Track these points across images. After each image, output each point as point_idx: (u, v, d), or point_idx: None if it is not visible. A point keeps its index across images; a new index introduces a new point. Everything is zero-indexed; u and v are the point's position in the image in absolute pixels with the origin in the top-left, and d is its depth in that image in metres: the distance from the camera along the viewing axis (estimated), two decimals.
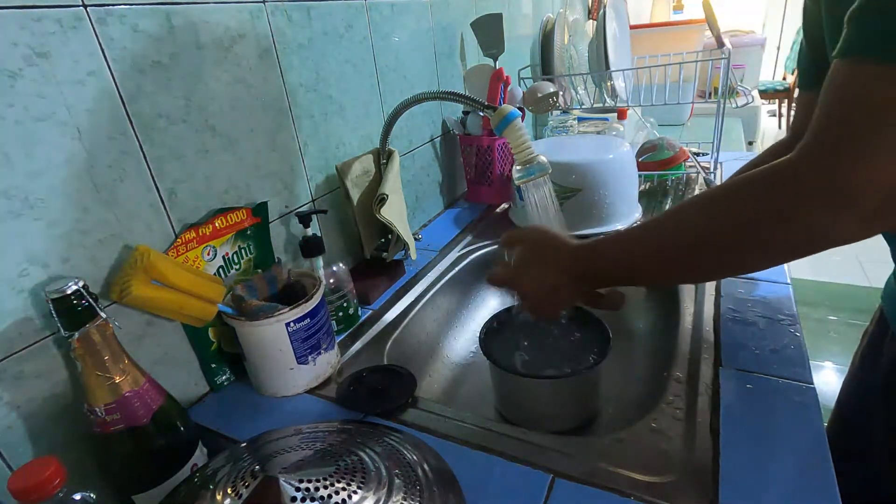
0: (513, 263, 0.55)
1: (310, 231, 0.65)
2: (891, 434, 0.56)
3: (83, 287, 0.41)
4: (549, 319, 0.62)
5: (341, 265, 0.69)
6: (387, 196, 0.74)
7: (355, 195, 0.76)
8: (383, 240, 0.82)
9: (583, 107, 1.33)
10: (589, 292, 0.52)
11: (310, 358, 0.57)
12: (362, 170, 0.76)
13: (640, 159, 1.05)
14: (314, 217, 0.68)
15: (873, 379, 0.59)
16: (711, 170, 1.09)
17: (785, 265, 0.67)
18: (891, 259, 0.55)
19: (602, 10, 1.18)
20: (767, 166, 0.35)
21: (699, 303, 0.67)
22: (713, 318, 0.62)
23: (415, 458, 0.42)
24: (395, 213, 0.77)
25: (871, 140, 0.30)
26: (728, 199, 0.38)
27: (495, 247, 0.93)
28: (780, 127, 4.36)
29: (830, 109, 0.32)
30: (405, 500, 0.36)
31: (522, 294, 0.54)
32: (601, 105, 1.29)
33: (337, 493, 0.34)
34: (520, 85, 1.24)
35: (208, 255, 0.57)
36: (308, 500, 0.33)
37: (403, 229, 0.78)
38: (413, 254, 0.81)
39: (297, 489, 0.33)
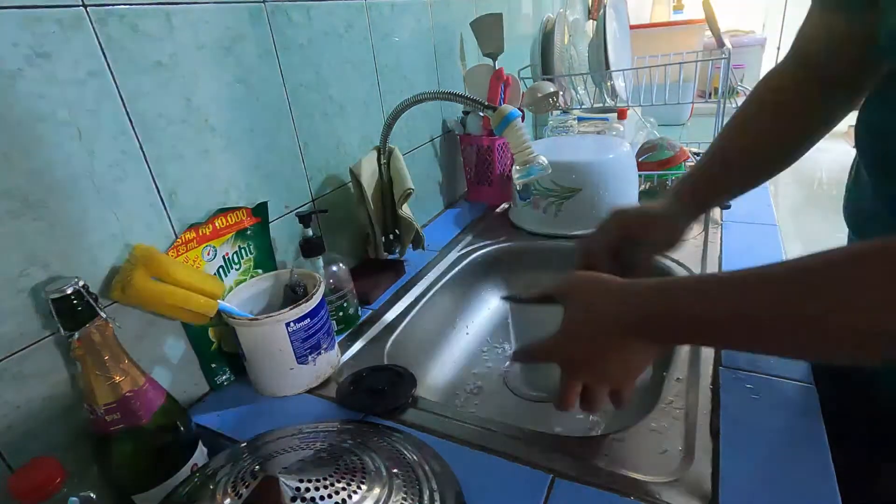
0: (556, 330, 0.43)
1: (310, 231, 0.65)
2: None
3: (83, 287, 0.41)
4: (616, 402, 0.44)
5: (341, 265, 0.69)
6: (413, 190, 0.76)
7: (370, 195, 0.76)
8: (391, 236, 0.82)
9: (583, 107, 1.33)
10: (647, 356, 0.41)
11: (310, 358, 0.57)
12: (371, 169, 0.77)
13: (640, 159, 1.05)
14: (314, 217, 0.68)
15: None
16: None
17: None
18: None
19: (602, 10, 1.18)
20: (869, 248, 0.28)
21: None
22: None
23: (415, 458, 0.42)
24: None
25: None
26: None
27: (496, 247, 0.93)
28: None
29: None
30: (405, 500, 0.36)
31: (568, 366, 0.42)
32: (601, 105, 1.29)
33: (337, 492, 0.34)
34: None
35: (208, 255, 0.57)
36: (308, 500, 0.33)
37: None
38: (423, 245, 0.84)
39: (297, 489, 0.33)
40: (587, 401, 0.43)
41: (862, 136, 0.46)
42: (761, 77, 0.56)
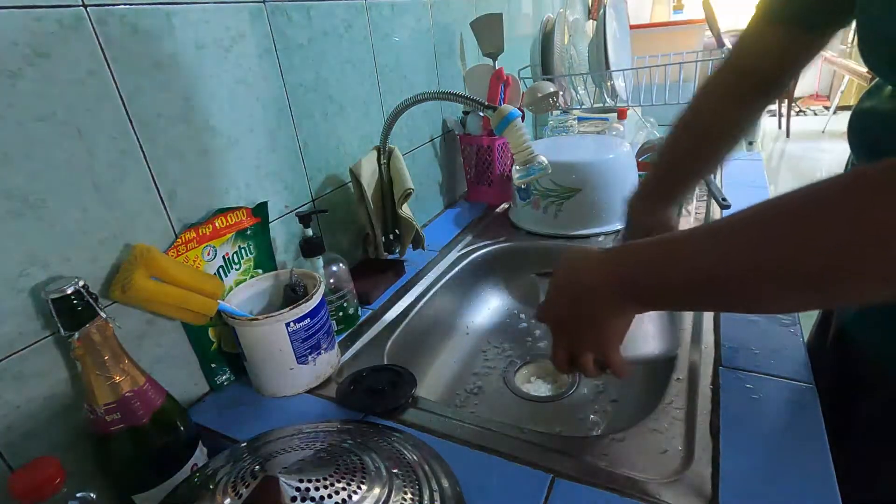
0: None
1: (310, 231, 0.65)
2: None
3: (83, 287, 0.41)
4: (612, 370, 0.44)
5: (341, 265, 0.69)
6: (413, 190, 0.76)
7: (370, 195, 0.76)
8: (391, 236, 0.82)
9: (583, 107, 1.33)
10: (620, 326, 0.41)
11: (310, 358, 0.57)
12: (371, 169, 0.77)
13: (640, 159, 1.05)
14: (314, 217, 0.68)
15: (824, 343, 0.61)
16: None
17: None
18: None
19: (602, 10, 1.18)
20: (871, 169, 0.26)
21: None
22: (713, 318, 0.62)
23: (415, 458, 0.42)
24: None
25: None
26: (834, 204, 0.27)
27: (496, 247, 0.93)
28: (780, 127, 4.36)
29: None
30: (405, 500, 0.36)
31: (553, 326, 0.45)
32: (601, 105, 1.30)
33: (337, 493, 0.34)
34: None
35: (208, 255, 0.57)
36: (308, 500, 0.33)
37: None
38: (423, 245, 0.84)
39: (297, 489, 0.33)
40: (576, 365, 0.45)
41: (852, 132, 0.49)
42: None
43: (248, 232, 0.62)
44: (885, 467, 0.52)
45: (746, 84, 0.55)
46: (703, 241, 0.34)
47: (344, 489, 0.34)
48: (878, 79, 0.46)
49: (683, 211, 0.95)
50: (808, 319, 0.63)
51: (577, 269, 0.42)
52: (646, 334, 0.48)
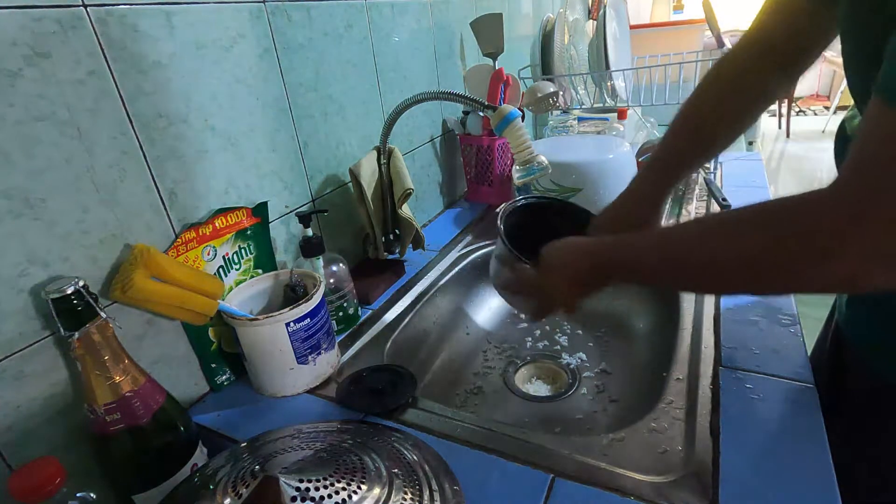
0: (532, 276, 0.54)
1: (310, 231, 0.65)
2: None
3: (83, 287, 0.41)
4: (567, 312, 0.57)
5: (341, 265, 0.69)
6: (413, 190, 0.76)
7: (370, 195, 0.76)
8: (391, 236, 0.82)
9: (583, 107, 1.33)
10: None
11: (310, 358, 0.57)
12: (371, 169, 0.77)
13: (640, 159, 1.05)
14: (314, 217, 0.68)
15: (822, 356, 0.61)
16: (711, 169, 1.09)
17: None
18: None
19: (602, 10, 1.18)
20: (799, 195, 0.34)
21: (699, 303, 0.67)
22: (713, 318, 0.62)
23: (415, 458, 0.42)
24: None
25: None
26: (754, 222, 0.38)
27: (495, 247, 0.93)
28: (780, 127, 4.35)
29: (867, 146, 0.31)
30: (405, 499, 0.36)
31: (543, 298, 0.54)
32: (601, 105, 1.29)
33: (337, 492, 0.34)
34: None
35: (208, 255, 0.57)
36: (308, 500, 0.33)
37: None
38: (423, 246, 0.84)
39: (297, 489, 0.33)
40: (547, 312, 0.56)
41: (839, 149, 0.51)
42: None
43: (248, 232, 0.62)
44: (869, 453, 0.52)
45: (768, 58, 0.54)
46: (649, 248, 0.44)
47: (344, 489, 0.34)
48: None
49: (683, 212, 0.95)
50: (815, 327, 0.63)
51: (562, 252, 0.50)
52: None
